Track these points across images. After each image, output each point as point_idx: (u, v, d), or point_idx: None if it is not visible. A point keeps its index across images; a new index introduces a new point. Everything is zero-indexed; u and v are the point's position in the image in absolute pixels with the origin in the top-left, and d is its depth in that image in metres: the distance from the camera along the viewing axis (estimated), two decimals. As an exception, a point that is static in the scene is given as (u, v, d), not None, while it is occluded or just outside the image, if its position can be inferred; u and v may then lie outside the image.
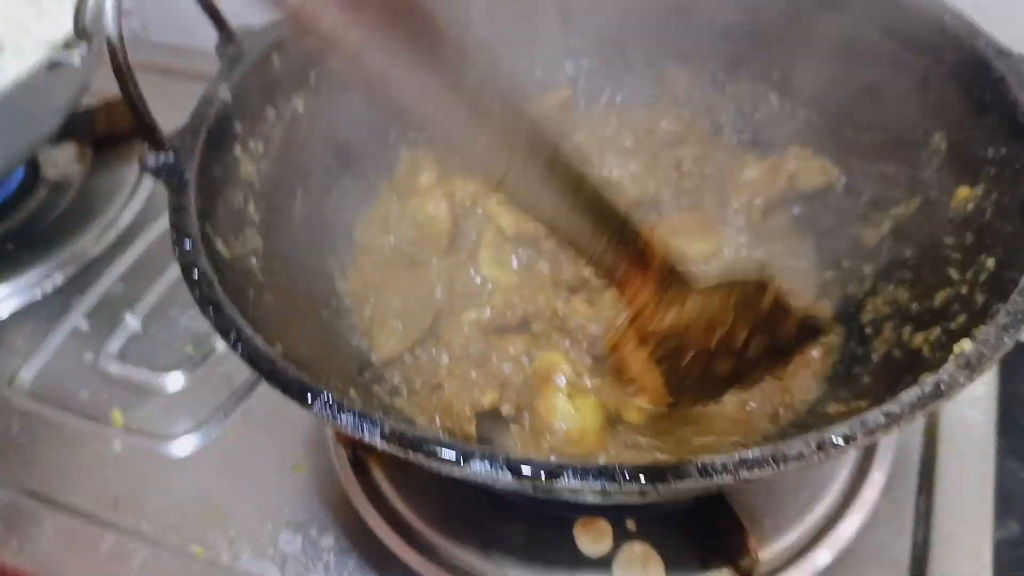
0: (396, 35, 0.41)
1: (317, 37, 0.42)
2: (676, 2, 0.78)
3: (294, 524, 0.68)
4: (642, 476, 0.41)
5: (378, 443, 0.43)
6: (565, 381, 0.64)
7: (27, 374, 0.80)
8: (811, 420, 0.61)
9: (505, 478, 0.42)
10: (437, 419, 0.65)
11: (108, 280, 0.88)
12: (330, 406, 0.45)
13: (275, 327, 0.54)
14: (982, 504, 0.66)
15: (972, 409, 0.71)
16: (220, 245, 0.56)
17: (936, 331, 0.55)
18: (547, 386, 0.64)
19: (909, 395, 0.44)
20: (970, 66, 0.61)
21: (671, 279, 0.55)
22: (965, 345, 0.46)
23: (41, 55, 0.77)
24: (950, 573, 0.63)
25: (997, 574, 0.63)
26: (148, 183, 0.98)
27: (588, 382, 0.65)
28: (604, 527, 0.64)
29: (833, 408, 0.59)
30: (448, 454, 0.42)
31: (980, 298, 0.53)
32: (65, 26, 0.81)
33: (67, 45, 0.78)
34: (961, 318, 0.53)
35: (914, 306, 0.60)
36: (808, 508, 0.65)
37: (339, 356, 0.66)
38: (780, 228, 0.75)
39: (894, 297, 0.63)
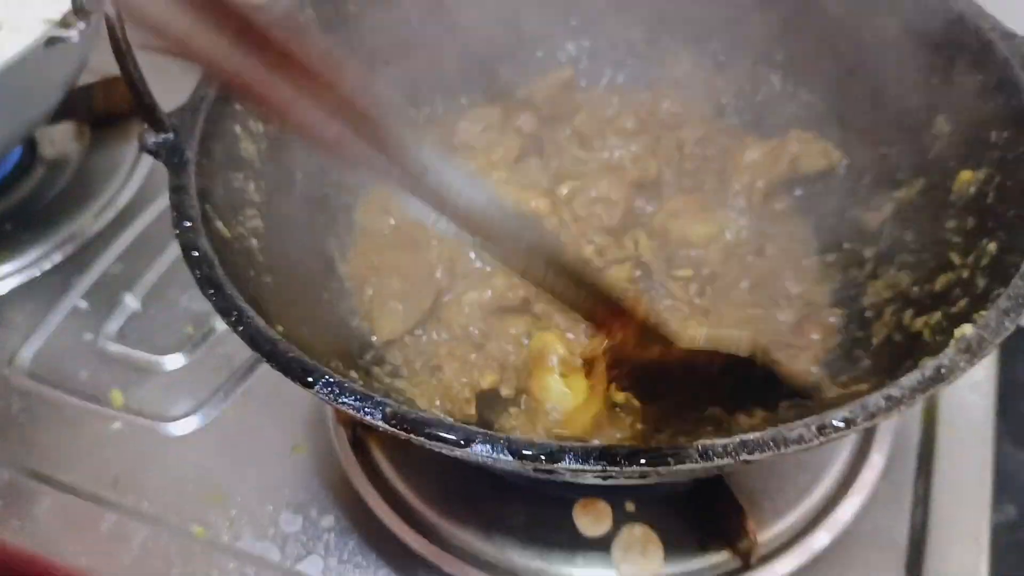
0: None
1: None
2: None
3: (294, 504, 0.68)
4: (642, 459, 0.41)
5: (380, 425, 0.43)
6: (558, 361, 0.64)
7: (26, 353, 0.80)
8: (811, 403, 0.61)
9: (506, 460, 0.42)
10: (437, 401, 0.65)
11: (107, 260, 0.88)
12: (331, 388, 0.45)
13: (275, 308, 0.53)
14: (980, 488, 0.67)
15: (971, 393, 0.71)
16: (220, 225, 0.56)
17: (937, 315, 0.55)
18: (541, 366, 0.64)
19: (910, 379, 0.44)
20: (974, 48, 0.61)
21: (653, 337, 0.54)
22: (966, 329, 0.46)
23: (39, 32, 0.77)
24: (948, 556, 0.63)
25: (994, 557, 0.63)
26: (146, 162, 0.98)
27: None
28: (603, 508, 0.64)
29: (833, 391, 0.59)
30: (449, 436, 0.42)
31: (981, 282, 0.53)
32: (63, 3, 0.81)
33: (65, 22, 0.77)
34: (962, 302, 0.53)
35: (915, 290, 0.60)
36: (807, 491, 0.65)
37: (340, 338, 0.65)
38: (781, 211, 0.75)
39: (895, 281, 0.63)
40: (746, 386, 0.54)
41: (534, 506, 0.65)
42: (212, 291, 0.50)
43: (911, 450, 0.68)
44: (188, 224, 0.53)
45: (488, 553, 0.64)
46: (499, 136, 0.80)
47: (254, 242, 0.60)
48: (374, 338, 0.69)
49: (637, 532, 0.63)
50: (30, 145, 0.98)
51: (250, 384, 0.76)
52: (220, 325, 0.80)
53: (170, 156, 0.57)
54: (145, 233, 0.90)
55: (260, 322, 0.48)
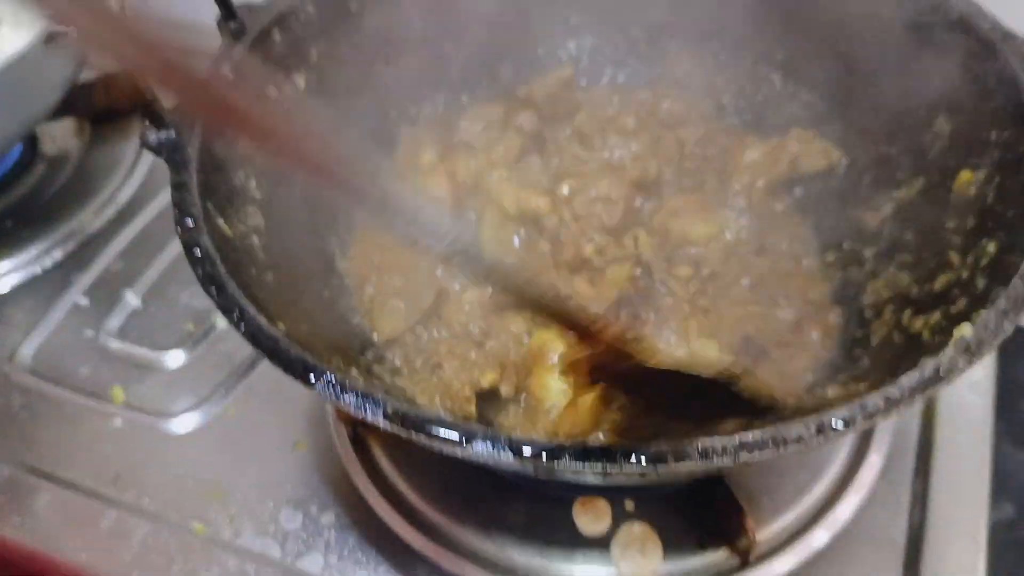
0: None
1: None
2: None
3: (295, 501, 0.68)
4: (642, 458, 0.41)
5: (381, 423, 0.43)
6: (558, 359, 0.64)
7: (27, 350, 0.81)
8: (810, 402, 0.61)
9: (507, 459, 0.42)
10: (437, 399, 0.65)
11: (108, 257, 0.88)
12: (333, 386, 0.45)
13: (277, 306, 0.53)
14: (978, 487, 0.67)
15: (970, 392, 0.71)
16: (222, 223, 0.56)
17: (936, 315, 0.55)
18: (541, 364, 0.64)
19: (909, 379, 0.44)
20: (975, 49, 0.61)
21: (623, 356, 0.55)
22: (965, 330, 0.46)
23: (39, 28, 0.77)
24: (946, 554, 0.63)
25: (992, 556, 0.63)
26: (147, 159, 0.98)
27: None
28: (603, 507, 0.64)
29: (832, 391, 0.59)
30: (450, 435, 0.43)
31: (981, 282, 0.53)
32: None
33: (66, 19, 0.77)
34: (961, 302, 0.53)
35: (914, 289, 0.60)
36: (806, 489, 0.66)
37: (340, 335, 0.66)
38: (781, 210, 0.75)
39: (895, 280, 0.63)
40: (717, 403, 0.55)
41: (534, 504, 0.66)
42: (214, 289, 0.50)
43: (910, 449, 0.68)
44: (190, 222, 0.53)
45: (488, 551, 0.64)
46: (500, 134, 0.80)
47: (255, 239, 0.60)
48: (375, 336, 0.69)
49: (636, 530, 0.63)
50: (31, 142, 0.98)
51: (251, 381, 0.76)
52: (221, 322, 0.80)
53: (172, 153, 0.57)
54: (146, 230, 0.91)
55: (262, 320, 0.48)
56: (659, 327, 0.68)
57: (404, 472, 0.68)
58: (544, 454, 0.42)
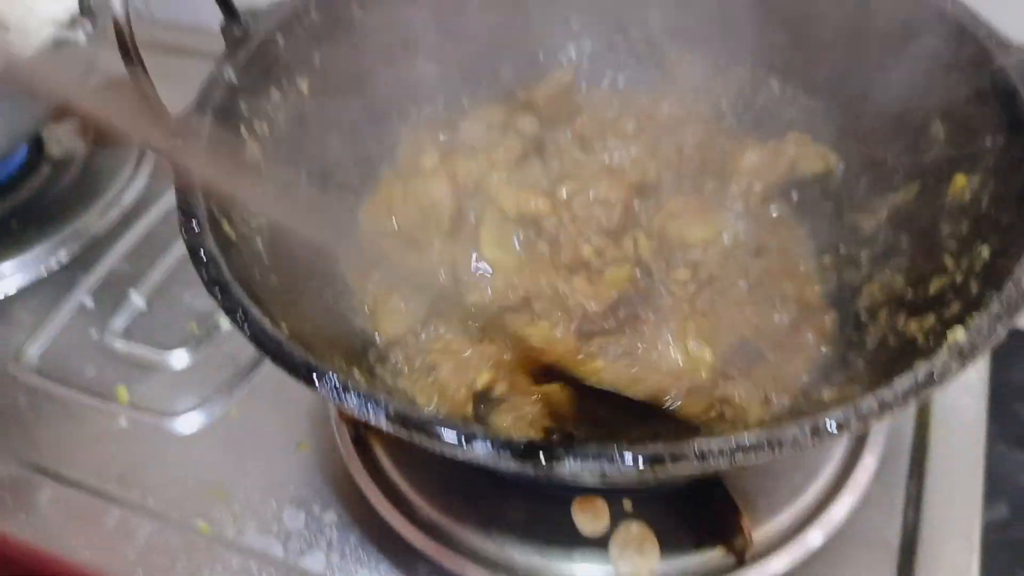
0: None
1: None
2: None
3: (297, 501, 0.69)
4: (640, 459, 0.42)
5: (383, 425, 0.44)
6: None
7: (33, 350, 0.81)
8: (805, 405, 0.62)
9: (506, 460, 0.43)
10: (435, 398, 0.66)
11: (112, 258, 0.89)
12: (335, 387, 0.45)
13: (280, 308, 0.54)
14: (972, 488, 0.67)
15: (964, 395, 0.72)
16: (226, 226, 0.57)
17: (931, 318, 0.55)
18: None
19: (902, 382, 0.44)
20: (971, 56, 0.61)
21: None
22: (959, 334, 0.47)
23: (46, 33, 0.78)
24: (940, 555, 0.64)
25: (986, 557, 0.64)
26: (151, 161, 0.99)
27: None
28: (601, 506, 0.65)
29: (827, 393, 0.60)
30: (450, 436, 0.43)
31: (975, 287, 0.53)
32: (69, 5, 0.81)
33: (72, 24, 0.78)
34: (955, 306, 0.54)
35: (909, 293, 0.61)
36: (801, 490, 0.66)
37: (343, 336, 0.66)
38: (778, 213, 0.76)
39: (890, 283, 0.64)
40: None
41: (533, 503, 0.66)
42: (218, 291, 0.50)
43: (904, 451, 0.69)
44: (195, 225, 0.54)
45: (487, 549, 0.64)
46: (500, 137, 0.80)
47: (259, 242, 0.60)
48: (377, 336, 0.70)
49: (634, 530, 0.64)
50: (36, 144, 0.99)
51: (254, 381, 0.77)
52: (224, 323, 0.81)
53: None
54: (150, 231, 0.91)
55: (266, 322, 0.49)
56: (658, 327, 0.69)
57: (405, 472, 0.68)
58: (543, 456, 0.42)
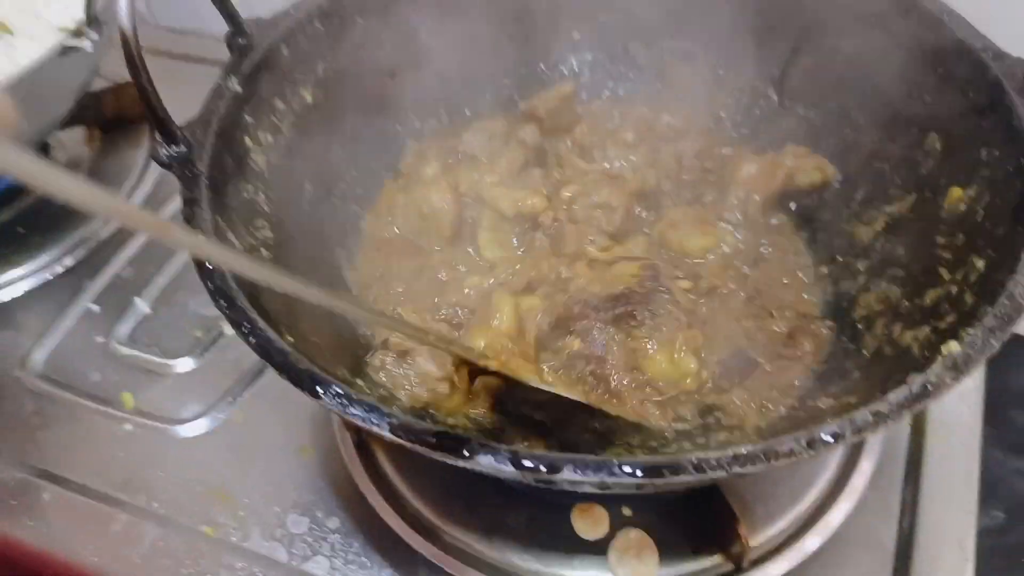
0: None
1: None
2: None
3: (301, 506, 0.70)
4: (639, 470, 0.43)
5: (387, 436, 0.45)
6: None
7: (39, 356, 0.82)
8: (802, 414, 0.62)
9: (508, 471, 0.43)
10: (415, 388, 0.66)
11: (118, 264, 0.90)
12: (340, 399, 0.46)
13: (285, 318, 0.55)
14: (967, 494, 0.68)
15: (959, 403, 0.73)
16: (232, 236, 0.58)
17: (926, 330, 0.56)
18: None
19: (897, 395, 0.45)
20: (967, 68, 0.62)
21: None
22: (952, 347, 0.48)
23: (52, 40, 0.78)
24: (935, 559, 0.65)
25: (981, 560, 0.65)
26: (156, 167, 0.99)
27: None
28: (601, 513, 0.66)
29: (823, 402, 0.60)
30: (454, 447, 0.44)
31: (969, 299, 0.54)
32: (75, 11, 0.82)
33: (78, 31, 0.79)
34: (950, 318, 0.54)
35: (905, 304, 0.62)
36: (798, 496, 0.67)
37: (347, 346, 0.67)
38: (777, 223, 0.77)
39: (886, 294, 0.64)
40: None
41: (534, 510, 0.67)
42: (224, 303, 0.51)
43: (900, 457, 0.70)
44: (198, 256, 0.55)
45: (488, 555, 0.65)
46: (502, 147, 0.81)
47: (265, 252, 0.61)
48: (375, 340, 0.70)
49: (633, 536, 0.65)
50: (43, 150, 1.00)
51: (258, 388, 0.78)
52: (228, 329, 0.81)
53: (183, 169, 0.58)
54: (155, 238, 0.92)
55: (271, 333, 0.50)
56: (652, 331, 0.70)
57: (407, 478, 0.69)
58: (544, 467, 0.43)
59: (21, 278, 0.88)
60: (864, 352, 0.63)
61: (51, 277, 0.89)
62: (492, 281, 0.73)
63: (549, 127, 0.81)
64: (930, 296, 0.59)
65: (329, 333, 0.65)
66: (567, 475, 0.43)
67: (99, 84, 0.98)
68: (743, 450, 0.43)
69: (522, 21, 0.82)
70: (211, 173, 0.59)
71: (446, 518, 0.67)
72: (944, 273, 0.59)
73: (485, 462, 0.44)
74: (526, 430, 0.65)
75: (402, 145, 0.82)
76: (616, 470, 0.43)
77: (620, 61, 0.87)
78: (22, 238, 0.91)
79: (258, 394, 0.78)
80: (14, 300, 0.87)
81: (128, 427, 0.76)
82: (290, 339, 0.51)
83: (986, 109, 0.60)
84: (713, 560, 0.64)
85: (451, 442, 0.44)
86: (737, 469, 0.43)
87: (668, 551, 0.64)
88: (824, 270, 0.73)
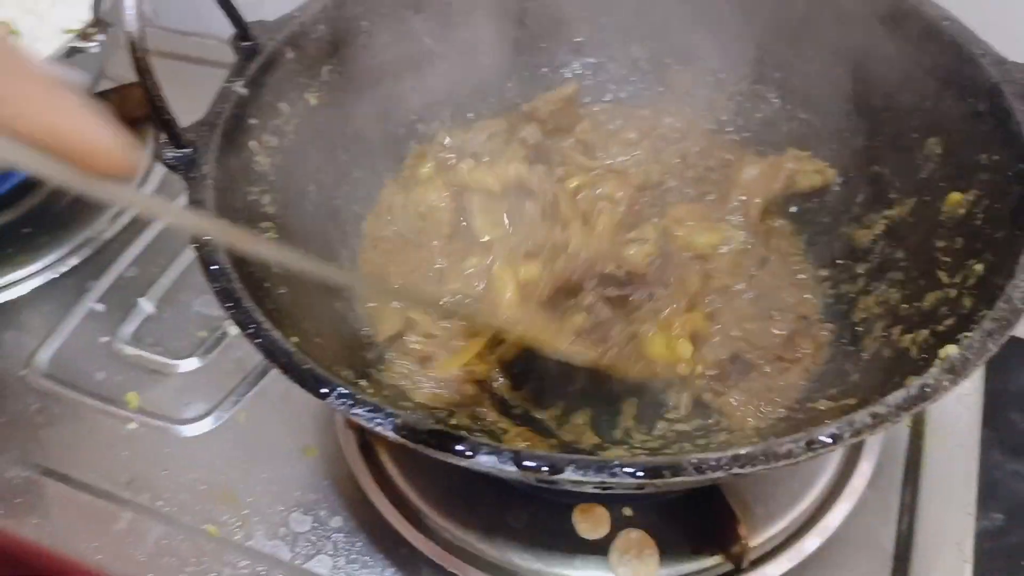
0: None
1: None
2: (680, 4, 0.79)
3: (304, 505, 0.70)
4: (640, 471, 0.43)
5: (391, 436, 0.45)
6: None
7: (44, 355, 0.83)
8: (801, 415, 0.63)
9: (511, 471, 0.44)
10: (433, 389, 0.67)
11: (122, 264, 0.90)
12: (345, 399, 0.47)
13: (290, 319, 0.55)
14: (966, 495, 0.69)
15: (958, 405, 0.73)
16: (237, 238, 0.58)
17: (924, 333, 0.57)
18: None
19: (895, 397, 0.46)
20: (966, 72, 0.62)
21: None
22: (951, 350, 0.48)
23: (58, 43, 0.79)
24: (933, 561, 0.65)
25: (980, 563, 0.65)
26: (161, 167, 1.00)
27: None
28: (602, 513, 0.66)
29: (822, 404, 0.61)
30: (457, 448, 0.45)
31: (968, 302, 0.55)
32: (81, 13, 0.83)
33: (85, 33, 0.79)
34: (949, 321, 0.55)
35: (904, 307, 0.62)
36: (798, 497, 0.67)
37: (351, 346, 0.67)
38: (777, 226, 0.77)
39: (885, 297, 0.65)
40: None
41: (535, 510, 0.67)
42: (230, 304, 0.51)
43: (899, 459, 0.70)
44: (207, 238, 0.55)
45: (490, 554, 0.66)
46: (504, 146, 0.81)
47: (269, 254, 0.61)
48: (376, 339, 0.71)
49: (634, 536, 0.65)
50: (47, 149, 1.00)
51: (262, 387, 0.78)
52: (232, 329, 0.82)
53: (188, 171, 0.59)
54: (159, 238, 0.92)
55: (276, 334, 0.50)
56: (651, 313, 0.70)
57: (410, 477, 0.69)
58: (546, 467, 0.44)
59: (26, 278, 0.89)
60: (863, 354, 0.63)
61: (56, 277, 0.89)
62: (491, 259, 0.74)
63: (551, 128, 0.82)
64: (929, 299, 0.59)
65: (331, 333, 0.65)
66: (569, 475, 0.43)
67: (104, 85, 0.98)
68: (743, 451, 0.43)
69: (525, 25, 0.83)
70: (216, 175, 0.59)
71: (448, 518, 0.67)
72: (943, 277, 0.59)
73: (488, 462, 0.44)
74: (528, 430, 0.66)
75: (405, 147, 0.82)
76: (617, 470, 0.43)
77: (622, 64, 0.87)
78: (27, 238, 0.92)
79: (261, 394, 0.78)
80: (19, 299, 0.88)
81: (132, 426, 0.77)
82: (295, 339, 0.51)
83: (985, 114, 0.61)
84: (713, 560, 0.64)
85: (454, 442, 0.45)
86: (737, 470, 0.43)
87: (669, 551, 0.65)
88: (823, 273, 0.73)
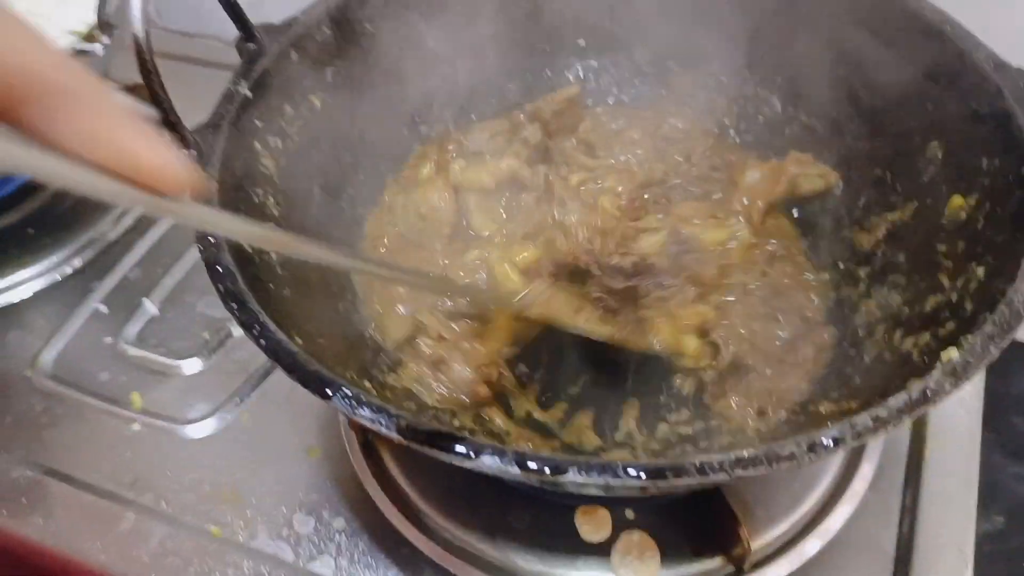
0: None
1: None
2: (683, 7, 0.80)
3: (307, 506, 0.70)
4: (642, 473, 0.43)
5: (395, 437, 0.46)
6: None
7: (48, 356, 0.83)
8: (803, 418, 0.63)
9: (514, 472, 0.44)
10: (444, 392, 0.67)
11: (126, 265, 0.90)
12: (349, 400, 0.47)
13: (294, 320, 0.56)
14: (967, 498, 0.69)
15: (959, 408, 0.73)
16: (242, 240, 0.58)
17: (926, 336, 0.57)
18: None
19: (897, 400, 0.46)
20: (968, 77, 0.63)
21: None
22: (952, 353, 0.48)
23: (63, 44, 0.79)
24: (935, 564, 0.65)
25: (981, 565, 0.65)
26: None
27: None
28: (604, 515, 0.67)
29: (824, 407, 0.61)
30: (460, 449, 0.45)
31: (969, 306, 0.55)
32: (86, 15, 0.83)
33: (89, 35, 0.80)
34: (950, 325, 0.55)
35: (905, 311, 0.62)
36: (799, 499, 0.67)
37: (354, 348, 0.68)
38: (779, 229, 0.77)
39: (887, 301, 0.65)
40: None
41: (537, 512, 0.68)
42: (235, 306, 0.52)
43: (900, 462, 0.70)
44: (212, 240, 0.55)
45: (492, 556, 0.66)
46: (507, 145, 0.82)
47: (274, 256, 0.62)
48: (386, 343, 0.71)
49: (635, 538, 0.65)
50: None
51: (265, 388, 0.79)
52: (236, 331, 0.82)
53: (194, 172, 0.59)
54: (162, 239, 0.93)
55: (281, 335, 0.50)
56: (660, 301, 0.71)
57: (412, 478, 0.70)
58: (548, 468, 0.44)
59: (30, 279, 0.89)
60: (865, 358, 0.63)
61: (60, 278, 0.89)
62: (490, 253, 0.74)
63: (554, 128, 0.82)
64: (930, 303, 0.60)
65: (334, 335, 0.65)
66: (572, 477, 0.44)
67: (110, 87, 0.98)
68: (745, 453, 0.44)
69: (528, 28, 0.83)
70: (221, 177, 0.59)
71: (450, 519, 0.67)
72: (944, 280, 0.59)
73: (491, 463, 0.44)
74: (530, 432, 0.66)
75: (409, 149, 0.83)
76: (620, 472, 0.43)
77: (625, 68, 0.87)
78: (31, 239, 0.92)
79: (265, 395, 0.78)
80: (23, 301, 0.88)
81: (136, 427, 0.77)
82: (299, 341, 0.52)
83: (987, 118, 0.61)
84: (715, 562, 0.65)
85: (458, 443, 0.45)
86: (739, 472, 0.43)
87: (670, 553, 0.65)
88: (825, 276, 0.73)
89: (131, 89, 1.01)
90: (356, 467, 0.71)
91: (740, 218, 0.77)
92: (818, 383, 0.66)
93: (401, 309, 0.73)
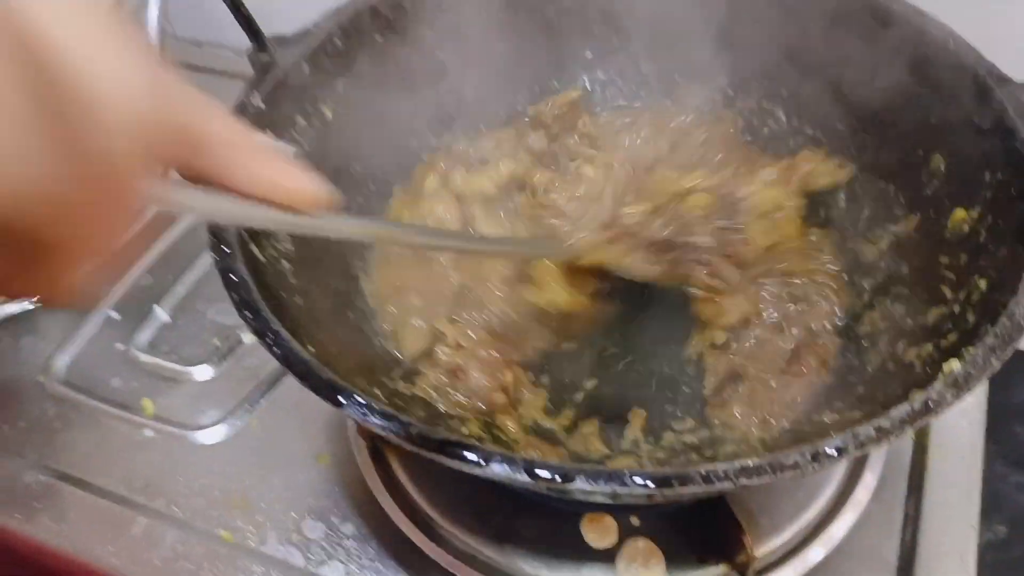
0: None
1: None
2: (689, 20, 0.81)
3: (317, 511, 0.71)
4: (649, 481, 0.44)
5: (405, 445, 0.47)
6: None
7: (61, 362, 0.84)
8: (806, 428, 0.64)
9: (523, 480, 0.45)
10: (469, 405, 0.68)
11: (137, 272, 0.91)
12: (361, 408, 0.48)
13: (306, 329, 0.56)
14: (969, 508, 0.69)
15: (961, 418, 0.74)
16: (255, 249, 0.59)
17: (928, 347, 0.58)
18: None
19: (899, 411, 0.46)
20: (972, 92, 0.63)
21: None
22: (954, 365, 0.49)
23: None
24: (936, 573, 0.66)
25: (983, 575, 0.66)
26: (174, 177, 1.01)
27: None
28: (610, 523, 0.67)
29: (828, 417, 0.62)
30: (471, 456, 0.46)
31: (971, 318, 0.56)
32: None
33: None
34: (952, 336, 0.56)
35: (908, 322, 0.63)
36: (803, 508, 0.67)
37: (365, 356, 0.69)
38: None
39: (890, 312, 0.66)
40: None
41: (544, 518, 0.68)
42: (249, 314, 0.52)
43: (902, 471, 0.71)
44: (226, 249, 0.56)
45: (499, 562, 0.66)
46: (512, 152, 0.83)
47: (286, 265, 0.63)
48: (402, 355, 0.72)
49: (641, 545, 0.66)
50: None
51: (275, 395, 0.79)
52: (246, 338, 0.83)
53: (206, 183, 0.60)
54: (173, 247, 0.93)
55: (294, 343, 0.51)
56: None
57: (421, 485, 0.70)
58: (558, 476, 0.45)
59: (44, 285, 0.90)
60: (868, 368, 0.64)
61: (72, 285, 0.90)
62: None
63: (556, 131, 0.83)
64: (933, 315, 0.60)
65: (345, 343, 0.66)
66: (580, 484, 0.44)
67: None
68: (750, 462, 0.44)
69: (536, 40, 0.84)
70: (234, 189, 0.60)
71: (457, 525, 0.68)
72: (947, 292, 0.60)
73: (500, 471, 0.45)
74: (537, 439, 0.67)
75: (417, 159, 0.84)
76: (627, 480, 0.44)
77: (631, 80, 0.88)
78: (45, 246, 0.93)
79: (275, 402, 0.79)
80: (37, 307, 0.89)
81: (148, 433, 0.78)
82: (311, 349, 0.52)
83: (989, 132, 0.62)
84: (719, 570, 0.65)
85: (468, 451, 0.46)
86: (744, 481, 0.44)
87: (675, 560, 0.65)
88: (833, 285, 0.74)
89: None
90: (365, 473, 0.71)
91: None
92: (822, 393, 0.66)
93: (418, 322, 0.73)
